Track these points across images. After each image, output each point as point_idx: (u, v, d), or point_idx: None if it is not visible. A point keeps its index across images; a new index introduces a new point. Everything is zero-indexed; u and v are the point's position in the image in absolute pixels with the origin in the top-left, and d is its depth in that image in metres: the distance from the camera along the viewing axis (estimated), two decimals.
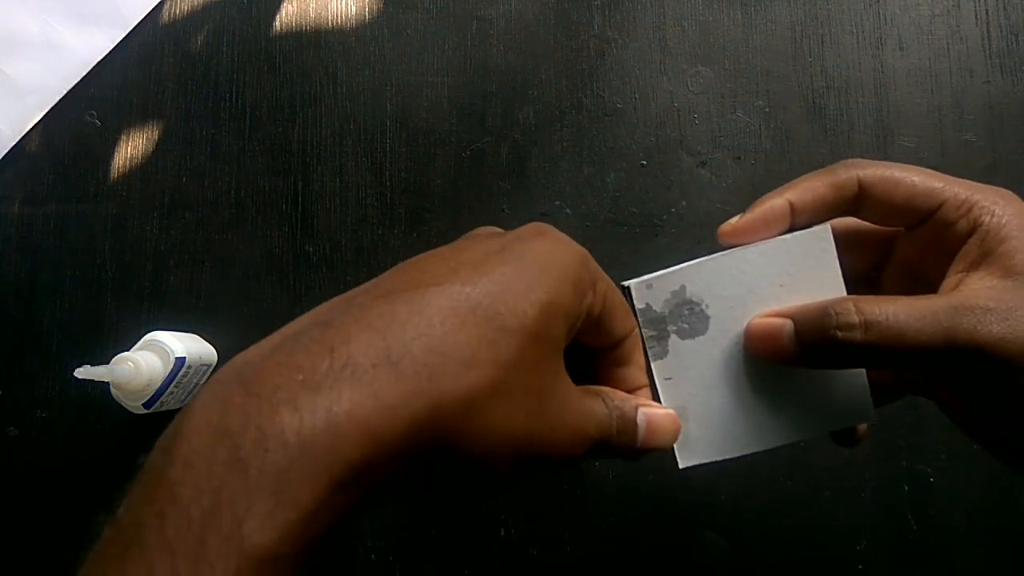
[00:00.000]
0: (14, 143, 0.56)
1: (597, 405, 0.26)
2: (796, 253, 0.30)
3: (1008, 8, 0.56)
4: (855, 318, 0.26)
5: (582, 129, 0.56)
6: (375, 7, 0.58)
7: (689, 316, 0.30)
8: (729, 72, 0.57)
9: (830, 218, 0.30)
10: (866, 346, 0.26)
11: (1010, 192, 0.29)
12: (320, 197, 0.56)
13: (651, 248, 0.55)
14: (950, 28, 0.57)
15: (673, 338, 0.30)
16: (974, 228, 0.28)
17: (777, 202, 0.30)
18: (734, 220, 0.30)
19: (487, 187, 0.56)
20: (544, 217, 0.55)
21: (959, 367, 0.26)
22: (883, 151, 0.56)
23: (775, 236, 0.30)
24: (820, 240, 0.29)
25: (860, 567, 0.52)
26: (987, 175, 0.54)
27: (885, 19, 0.57)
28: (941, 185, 0.29)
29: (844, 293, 0.29)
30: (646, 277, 0.30)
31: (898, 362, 0.27)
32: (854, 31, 0.57)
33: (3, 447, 0.54)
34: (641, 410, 0.27)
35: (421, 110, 0.57)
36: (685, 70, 0.57)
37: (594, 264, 0.25)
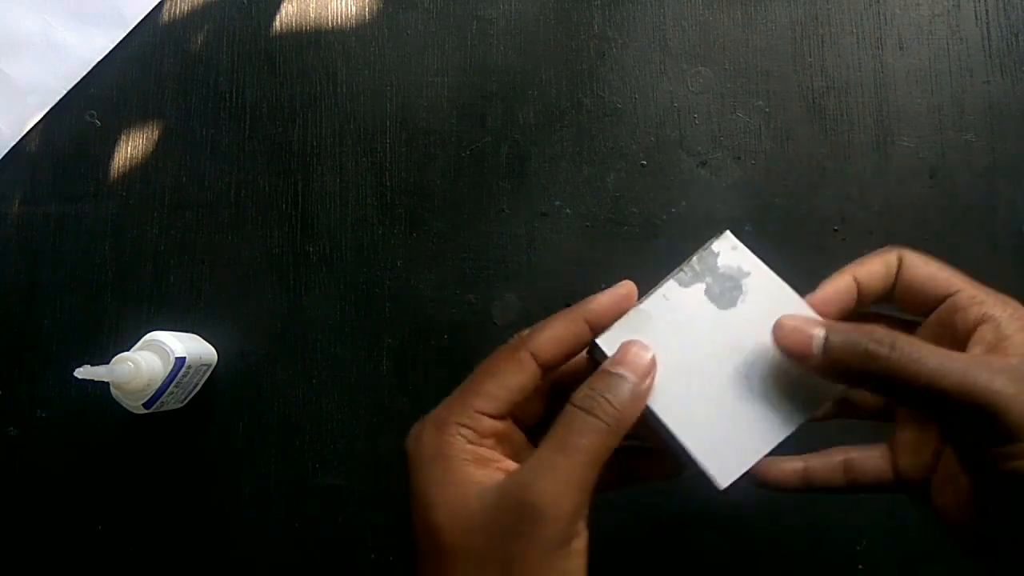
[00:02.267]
0: (14, 143, 0.57)
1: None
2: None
3: (1008, 8, 0.56)
4: (886, 338, 0.28)
5: (582, 129, 0.56)
6: (375, 7, 0.58)
7: (727, 287, 0.32)
8: (729, 72, 0.57)
9: (883, 289, 0.33)
10: (889, 368, 0.27)
11: (1013, 299, 0.31)
12: (320, 197, 0.56)
13: (651, 248, 0.55)
14: (950, 28, 0.57)
15: (699, 286, 0.32)
16: (985, 318, 0.30)
17: (846, 279, 0.33)
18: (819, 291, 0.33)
19: (487, 187, 0.56)
20: (544, 217, 0.55)
21: (966, 417, 0.27)
22: (883, 151, 0.55)
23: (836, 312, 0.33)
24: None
25: (860, 567, 0.52)
26: (987, 175, 0.54)
27: (885, 19, 0.57)
28: (957, 277, 0.32)
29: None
30: (742, 245, 0.33)
31: (912, 397, 0.28)
32: (854, 31, 0.57)
33: (3, 447, 0.54)
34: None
35: (421, 110, 0.57)
36: (685, 70, 0.57)
37: (442, 413, 0.32)
